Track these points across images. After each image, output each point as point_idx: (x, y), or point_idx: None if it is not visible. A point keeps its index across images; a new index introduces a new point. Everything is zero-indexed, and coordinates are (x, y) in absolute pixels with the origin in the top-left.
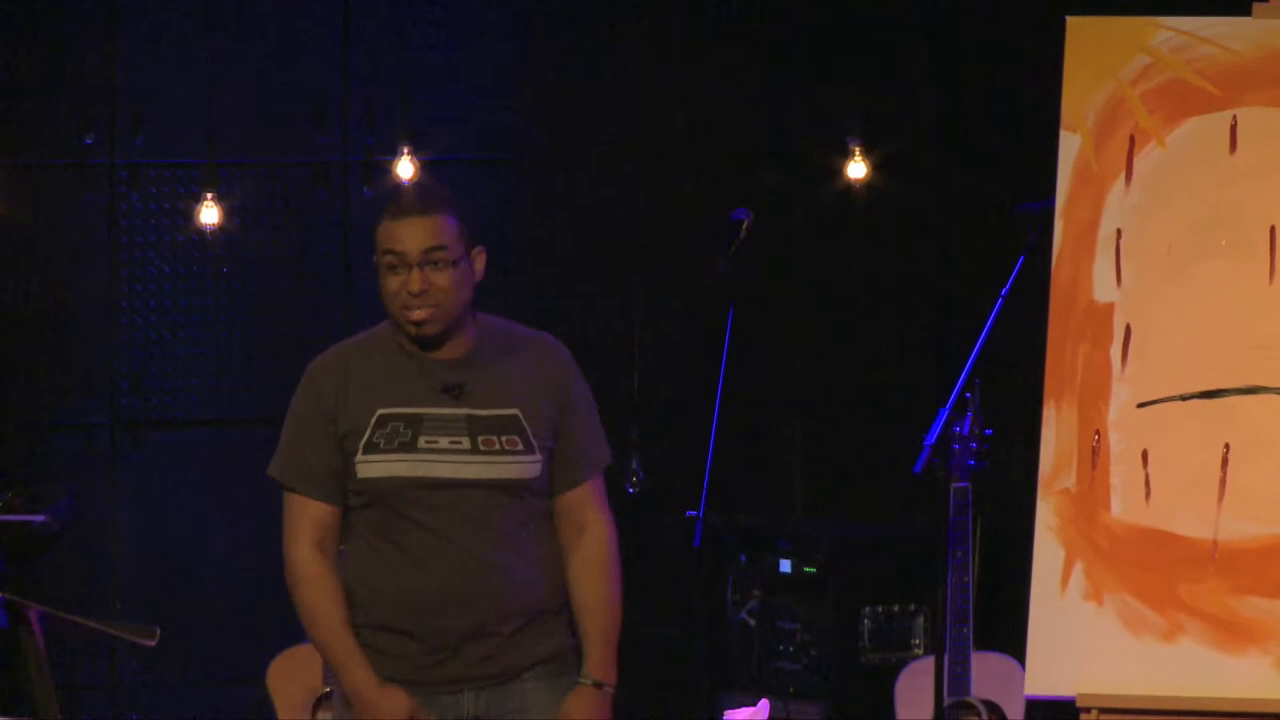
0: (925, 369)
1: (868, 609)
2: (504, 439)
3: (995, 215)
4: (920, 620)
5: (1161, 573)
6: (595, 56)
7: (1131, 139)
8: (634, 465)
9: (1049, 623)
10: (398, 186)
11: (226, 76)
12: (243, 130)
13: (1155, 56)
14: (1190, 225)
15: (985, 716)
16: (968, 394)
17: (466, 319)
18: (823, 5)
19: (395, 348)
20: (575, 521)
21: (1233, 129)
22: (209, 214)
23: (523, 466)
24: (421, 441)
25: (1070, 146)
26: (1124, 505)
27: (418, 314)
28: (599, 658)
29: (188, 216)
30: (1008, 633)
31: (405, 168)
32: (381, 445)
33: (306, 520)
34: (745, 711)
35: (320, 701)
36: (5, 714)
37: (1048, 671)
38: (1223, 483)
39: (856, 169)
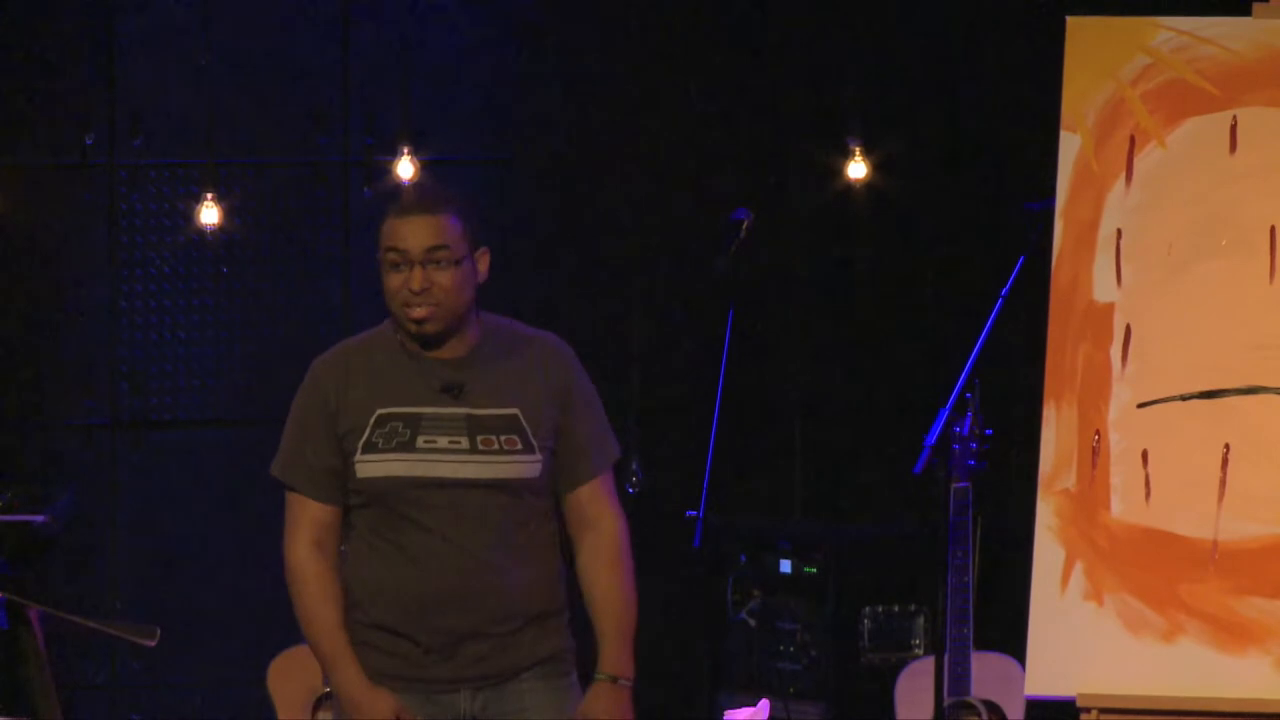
0: (925, 369)
1: (868, 609)
2: (503, 439)
3: (995, 215)
4: (920, 620)
5: (1161, 573)
6: (595, 56)
7: (1132, 139)
8: (634, 465)
9: (1049, 623)
10: (399, 186)
11: (226, 76)
12: (243, 130)
13: (1155, 57)
14: (1190, 225)
15: (985, 716)
16: (968, 394)
17: (469, 319)
18: (823, 6)
19: (396, 347)
20: (585, 517)
21: (1233, 129)
22: (209, 214)
23: (522, 466)
24: (420, 441)
25: (1070, 146)
26: (1124, 505)
27: (418, 312)
28: (614, 652)
29: (188, 216)
30: (1008, 633)
31: (405, 168)
32: (380, 445)
33: (306, 519)
34: (745, 711)
35: (320, 701)
36: (5, 714)
37: (1048, 671)
38: (1223, 483)
39: (856, 169)
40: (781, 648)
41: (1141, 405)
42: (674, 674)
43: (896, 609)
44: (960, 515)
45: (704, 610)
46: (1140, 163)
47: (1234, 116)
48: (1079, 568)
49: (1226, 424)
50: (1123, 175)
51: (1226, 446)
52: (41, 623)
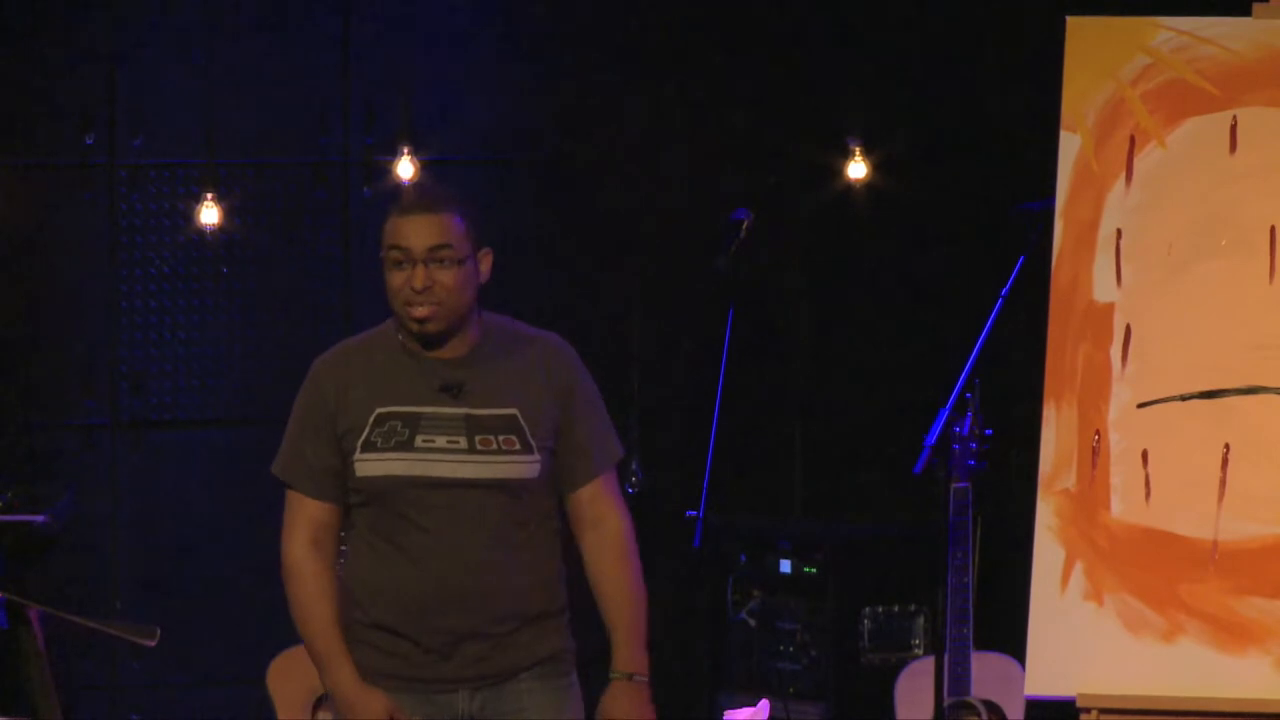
0: (925, 369)
1: (868, 609)
2: (501, 439)
3: (995, 215)
4: (920, 620)
5: (1161, 573)
6: (595, 56)
7: (1131, 139)
8: (634, 465)
9: (1049, 623)
10: (399, 186)
11: (226, 76)
12: (243, 130)
13: (1155, 57)
14: (1190, 225)
15: (985, 716)
16: (968, 394)
17: (470, 319)
18: (823, 5)
19: (397, 346)
20: (590, 516)
21: (1233, 129)
22: (209, 214)
23: (520, 467)
24: (419, 440)
25: (1070, 146)
26: (1124, 505)
27: (420, 311)
28: (627, 650)
29: (188, 216)
30: (1008, 633)
31: (405, 168)
32: (379, 444)
33: (304, 518)
34: (745, 711)
35: (320, 702)
36: (5, 714)
37: (1048, 671)
38: (1223, 483)
39: (856, 169)
40: (781, 648)
41: (1141, 405)
42: (674, 674)
43: (896, 609)
44: (960, 515)
45: (704, 610)
46: (1140, 163)
47: (1234, 116)
48: (1079, 568)
49: (1226, 424)
50: (1123, 175)
51: (1226, 446)
52: (41, 623)
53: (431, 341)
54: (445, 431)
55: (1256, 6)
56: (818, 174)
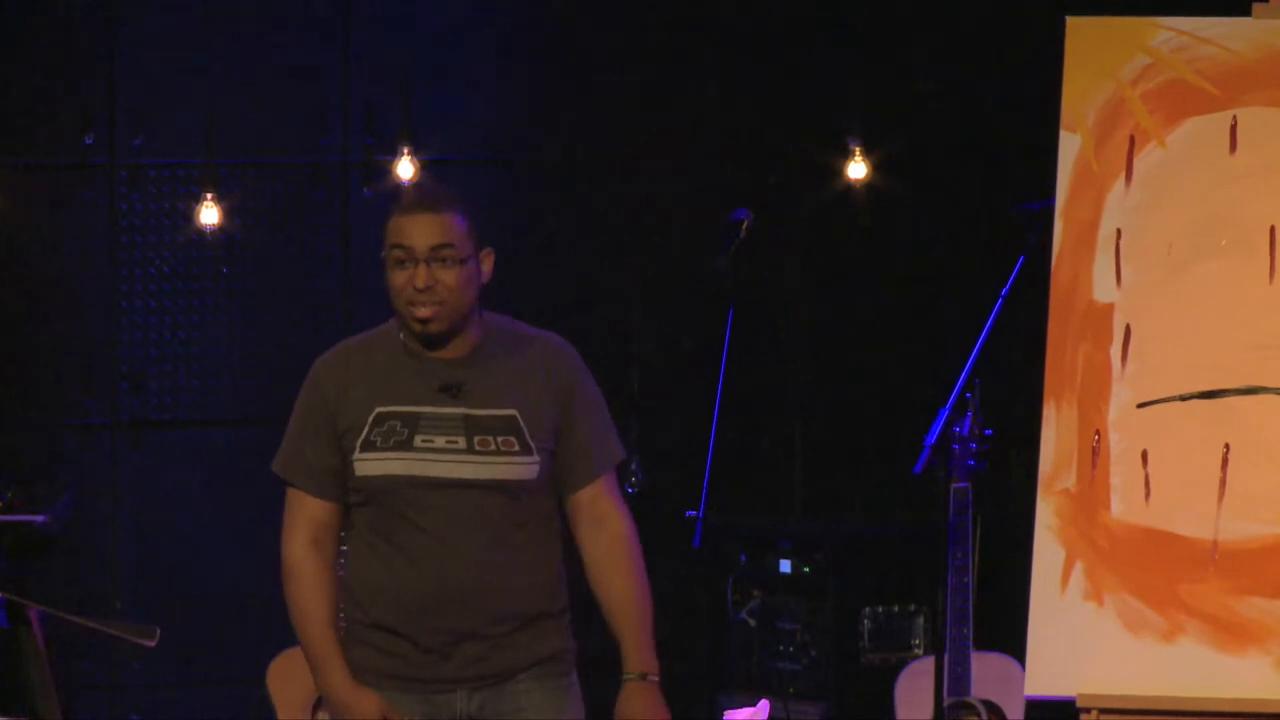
0: (925, 369)
1: (868, 609)
2: (500, 439)
3: (995, 215)
4: (920, 620)
5: (1161, 573)
6: (595, 57)
7: (1131, 139)
8: (633, 465)
9: (1049, 623)
10: (399, 186)
11: (226, 76)
12: (243, 130)
13: (1155, 57)
14: (1190, 225)
15: (985, 717)
16: (968, 394)
17: (472, 319)
18: (823, 5)
19: (398, 346)
20: (592, 517)
21: (1233, 129)
22: (209, 214)
23: (519, 467)
24: (418, 440)
25: (1070, 147)
26: (1124, 505)
27: (423, 311)
28: (637, 651)
29: (188, 216)
30: (1008, 633)
31: (405, 168)
32: (378, 443)
33: (304, 517)
34: (745, 711)
35: (320, 701)
36: (5, 714)
37: (1048, 671)
38: (1223, 483)
39: (856, 169)
40: (781, 648)
41: (1141, 405)
42: (674, 674)
43: (896, 609)
44: (960, 515)
45: (704, 610)
46: (1140, 163)
47: (1234, 116)
48: (1079, 568)
49: (1226, 424)
50: (1122, 175)
51: (1226, 446)
52: (41, 623)
53: (434, 341)
54: (444, 431)
55: (1256, 6)
56: (818, 174)
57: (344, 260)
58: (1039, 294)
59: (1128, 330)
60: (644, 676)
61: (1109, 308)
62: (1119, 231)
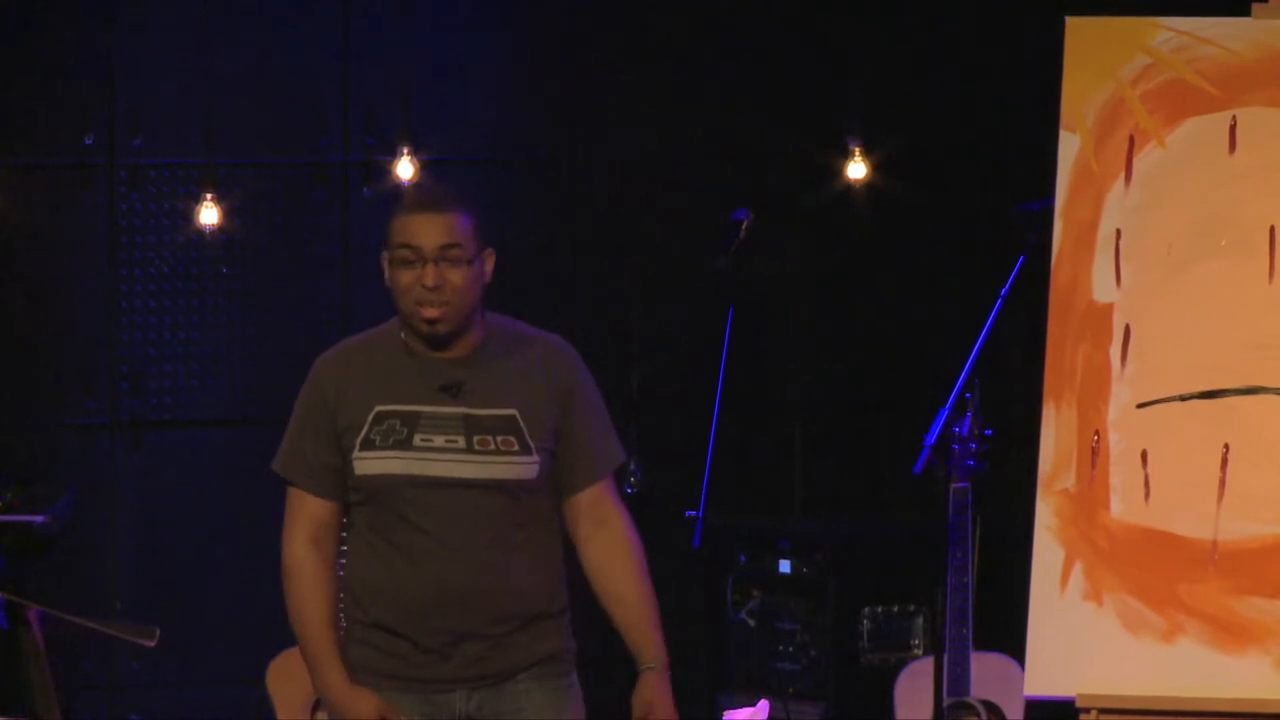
0: (925, 369)
1: (867, 609)
2: (500, 439)
3: (995, 215)
4: (920, 620)
5: (1161, 573)
6: (594, 57)
7: (1131, 139)
8: (632, 465)
9: (1048, 623)
10: (399, 186)
11: (226, 76)
12: (243, 130)
13: (1155, 57)
14: (1190, 225)
15: (985, 717)
16: (967, 394)
17: (474, 319)
18: (823, 5)
19: (398, 346)
20: (593, 518)
21: (1232, 129)
22: (209, 214)
23: (519, 467)
24: (417, 439)
25: (1070, 147)
26: (1123, 505)
27: (431, 311)
28: (653, 641)
29: (188, 216)
30: (1007, 633)
31: (405, 168)
32: (378, 442)
33: (304, 516)
34: (745, 712)
35: (319, 702)
36: (5, 714)
37: (1047, 672)
38: (1222, 483)
39: (856, 169)
40: (781, 648)
41: (1141, 405)
42: (674, 674)
43: (896, 609)
44: (960, 515)
45: (704, 610)
46: (1140, 163)
47: (1233, 117)
48: (1078, 568)
49: (1226, 424)
50: (1122, 175)
51: (1226, 446)
52: (41, 623)
53: (441, 342)
54: (444, 431)
55: (1256, 7)
56: (818, 174)
57: (344, 260)
58: (1039, 294)
59: (1127, 330)
60: (662, 666)
61: (1109, 308)
62: (1119, 231)
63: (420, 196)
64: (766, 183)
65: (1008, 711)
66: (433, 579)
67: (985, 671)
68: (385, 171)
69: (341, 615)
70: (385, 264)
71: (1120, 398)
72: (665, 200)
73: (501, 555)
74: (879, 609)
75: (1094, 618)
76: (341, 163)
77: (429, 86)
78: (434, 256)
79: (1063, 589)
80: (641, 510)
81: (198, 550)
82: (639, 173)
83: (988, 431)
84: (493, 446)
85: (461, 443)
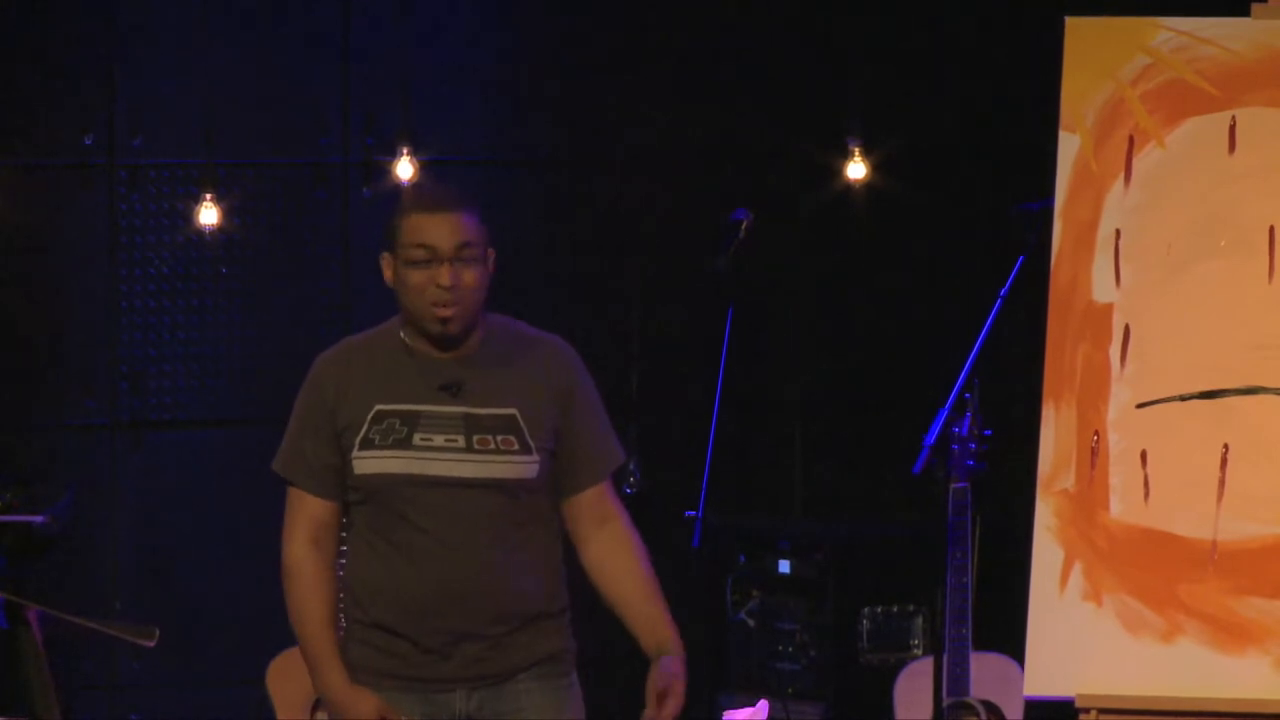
0: (925, 369)
1: (867, 609)
2: (500, 439)
3: (995, 215)
4: (919, 621)
5: (1160, 573)
6: (594, 57)
7: (1131, 139)
8: (631, 466)
9: (1048, 623)
10: (399, 186)
11: (226, 76)
12: (243, 130)
13: (1155, 57)
14: (1189, 225)
15: (984, 717)
16: (967, 394)
17: (478, 318)
18: (823, 5)
19: (399, 345)
20: (593, 518)
21: (1232, 129)
22: (209, 214)
23: (519, 467)
24: (417, 439)
25: (1070, 147)
26: (1123, 506)
27: (445, 311)
28: (668, 632)
29: (188, 216)
30: (1007, 633)
31: (405, 168)
32: (377, 441)
33: (304, 516)
34: (745, 712)
35: (319, 702)
36: (5, 714)
37: (1047, 672)
38: (1222, 483)
39: (856, 169)
40: (781, 648)
41: (1140, 405)
42: None
43: (896, 609)
44: (959, 515)
45: (703, 610)
46: (1139, 163)
47: (1233, 117)
48: (1078, 568)
49: (1226, 424)
50: (1122, 175)
51: (1226, 447)
52: (41, 623)
53: (452, 341)
54: (444, 430)
55: (1255, 7)
56: (818, 174)
57: (344, 260)
58: (1038, 294)
59: (1127, 330)
60: (681, 653)
61: (1108, 308)
62: (1118, 232)
63: (432, 196)
64: (766, 183)
65: (1007, 711)
66: (432, 579)
67: (985, 671)
68: (385, 171)
69: (341, 615)
70: (389, 264)
71: (1120, 398)
72: (665, 200)
73: (502, 555)
74: (879, 609)
75: (1093, 618)
76: (341, 163)
77: (429, 86)
78: (450, 256)
79: (1062, 589)
80: (641, 510)
81: (198, 550)
82: (639, 173)
83: (987, 431)
84: (493, 446)
85: (461, 442)
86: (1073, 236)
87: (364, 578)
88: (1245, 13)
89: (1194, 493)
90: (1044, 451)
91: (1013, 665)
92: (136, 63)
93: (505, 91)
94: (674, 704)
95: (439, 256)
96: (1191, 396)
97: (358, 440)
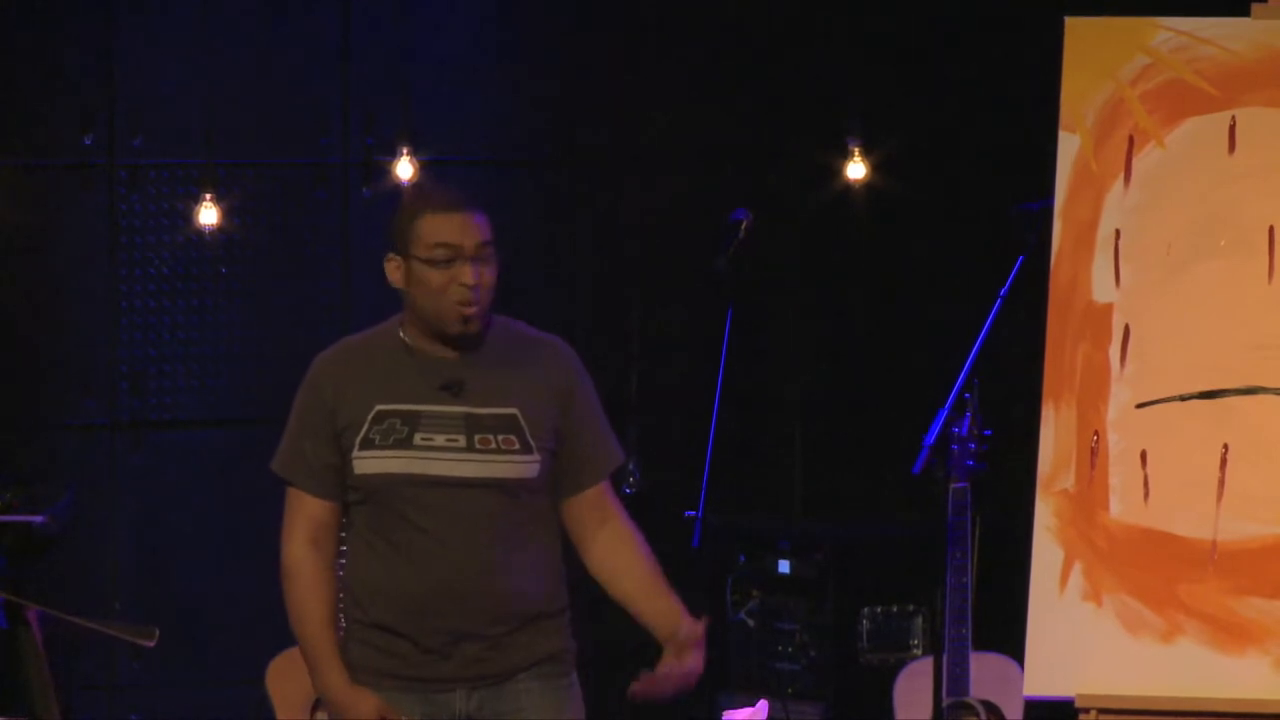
0: (925, 369)
1: (867, 609)
2: (500, 438)
3: (995, 215)
4: (919, 621)
5: (1160, 573)
6: (594, 57)
7: (1131, 139)
8: (630, 465)
9: (1048, 623)
10: (399, 186)
11: (226, 76)
12: (243, 130)
13: (1154, 57)
14: (1189, 225)
15: (984, 717)
16: (967, 394)
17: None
18: (824, 5)
19: (398, 344)
20: (594, 517)
21: (1231, 129)
22: (208, 214)
23: (519, 466)
24: (417, 439)
25: (1069, 147)
26: (1123, 506)
27: (469, 309)
28: (679, 611)
29: (187, 216)
30: (1007, 633)
31: (405, 168)
32: (377, 441)
33: (304, 516)
34: (745, 712)
35: (319, 702)
36: (5, 714)
37: (1046, 672)
38: (1221, 483)
39: (856, 169)
40: (781, 648)
41: (1140, 405)
42: None
43: (895, 609)
44: (959, 515)
45: (703, 610)
46: (1139, 163)
47: (1233, 117)
48: (1078, 568)
49: (1226, 424)
50: (1121, 175)
51: (1225, 447)
52: (41, 623)
53: (471, 341)
54: (444, 430)
55: (1255, 7)
56: (818, 174)
57: (344, 260)
58: (1038, 294)
59: (1127, 330)
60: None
61: (1108, 308)
62: (1118, 231)
63: (447, 196)
64: (766, 183)
65: (1007, 711)
66: (433, 579)
67: (984, 671)
68: (385, 171)
69: (341, 615)
70: (398, 266)
71: (1120, 398)
72: (665, 200)
73: (502, 555)
74: (878, 609)
75: (1093, 618)
76: (341, 163)
77: (429, 86)
78: (473, 254)
79: (1062, 589)
80: (641, 510)
81: (198, 550)
82: (638, 173)
83: (987, 431)
84: (494, 446)
85: (462, 442)
86: (1072, 236)
87: (364, 578)
88: (1245, 13)
89: (1194, 493)
90: (1044, 451)
91: (1012, 665)
92: (136, 63)
93: (505, 91)
94: (695, 659)
95: (462, 255)
96: (1191, 396)
97: (358, 440)
